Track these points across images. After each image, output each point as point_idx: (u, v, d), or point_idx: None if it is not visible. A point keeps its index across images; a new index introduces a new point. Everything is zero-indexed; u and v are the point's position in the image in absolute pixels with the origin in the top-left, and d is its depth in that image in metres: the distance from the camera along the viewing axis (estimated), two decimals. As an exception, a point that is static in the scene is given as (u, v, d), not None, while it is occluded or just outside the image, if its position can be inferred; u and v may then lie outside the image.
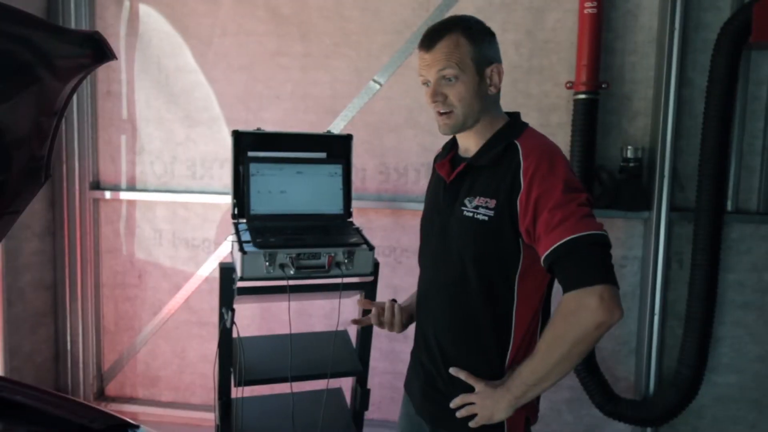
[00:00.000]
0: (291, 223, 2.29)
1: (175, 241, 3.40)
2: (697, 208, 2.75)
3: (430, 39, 1.39)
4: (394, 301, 1.68)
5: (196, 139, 3.33)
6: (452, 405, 1.39)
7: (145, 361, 3.48)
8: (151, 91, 3.35)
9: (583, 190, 1.31)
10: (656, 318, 2.91)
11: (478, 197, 1.37)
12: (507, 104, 3.10)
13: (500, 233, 1.33)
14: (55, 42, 1.12)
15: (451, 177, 1.46)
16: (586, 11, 2.77)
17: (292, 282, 2.09)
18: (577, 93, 2.86)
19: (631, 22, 2.93)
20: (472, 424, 1.36)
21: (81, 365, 3.44)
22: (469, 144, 1.46)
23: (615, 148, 2.97)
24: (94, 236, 3.43)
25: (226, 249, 3.30)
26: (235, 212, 2.37)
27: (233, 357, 2.24)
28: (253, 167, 2.37)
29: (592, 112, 2.82)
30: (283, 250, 2.07)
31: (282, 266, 2.09)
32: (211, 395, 3.42)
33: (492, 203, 1.34)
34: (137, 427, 1.54)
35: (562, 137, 3.00)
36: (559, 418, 3.15)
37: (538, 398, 1.46)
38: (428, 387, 1.51)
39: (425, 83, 1.42)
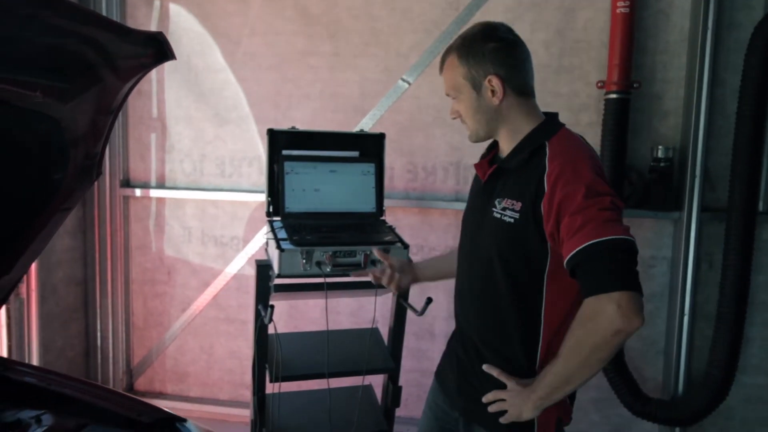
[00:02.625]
0: (325, 221, 2.31)
1: (203, 238, 3.44)
2: (729, 208, 2.74)
3: (440, 64, 1.51)
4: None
5: (225, 138, 3.36)
6: (484, 400, 1.42)
7: (173, 356, 3.52)
8: (180, 90, 3.38)
9: (609, 193, 1.28)
10: (686, 318, 2.90)
11: (506, 199, 1.39)
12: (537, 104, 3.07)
13: (526, 235, 1.34)
14: (120, 42, 1.15)
15: (485, 177, 1.50)
16: (618, 11, 2.77)
17: (328, 279, 2.11)
18: (608, 92, 2.85)
19: (663, 21, 2.91)
20: (502, 420, 1.39)
21: (111, 360, 3.48)
22: (504, 147, 1.49)
23: (645, 148, 2.96)
24: (124, 233, 3.48)
25: (254, 247, 3.33)
26: (270, 210, 2.40)
27: (269, 353, 2.26)
28: (288, 165, 2.40)
29: (623, 112, 2.81)
30: (320, 247, 2.09)
31: (318, 264, 2.11)
32: (238, 391, 3.47)
33: (518, 206, 1.36)
34: (184, 420, 1.57)
35: (591, 137, 2.98)
36: (585, 418, 3.15)
37: (572, 398, 1.48)
38: (463, 380, 1.55)
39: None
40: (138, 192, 3.44)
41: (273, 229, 2.25)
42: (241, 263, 3.36)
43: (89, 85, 1.19)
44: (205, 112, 3.37)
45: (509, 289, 1.39)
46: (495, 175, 1.47)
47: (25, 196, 1.40)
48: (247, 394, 3.41)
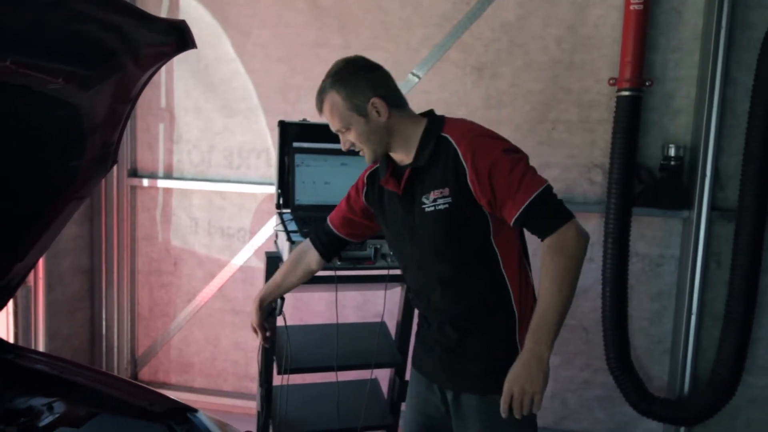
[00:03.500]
0: (335, 214, 2.30)
1: (210, 229, 3.43)
2: (739, 208, 2.73)
3: (316, 104, 1.61)
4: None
5: (233, 129, 3.35)
6: (504, 414, 1.39)
7: (178, 347, 3.52)
8: (189, 81, 3.37)
9: (519, 149, 1.47)
10: (693, 317, 2.90)
11: (432, 191, 1.49)
12: (547, 100, 3.09)
13: (463, 213, 1.47)
14: (143, 30, 1.14)
15: (402, 186, 1.57)
16: (632, 7, 2.75)
17: (338, 273, 2.11)
18: (620, 90, 2.84)
19: (676, 18, 2.90)
20: (535, 409, 1.38)
21: (116, 350, 3.49)
22: (402, 156, 1.58)
23: (655, 146, 2.95)
24: (130, 223, 3.47)
25: (261, 239, 3.33)
26: (280, 202, 2.40)
27: (276, 345, 2.26)
28: (298, 158, 2.39)
29: (635, 110, 2.80)
30: (330, 240, 2.07)
31: (329, 257, 2.10)
32: (243, 383, 3.47)
33: (446, 191, 1.47)
34: (195, 411, 1.57)
35: (601, 134, 2.99)
36: (590, 416, 3.15)
37: None
38: (444, 356, 1.61)
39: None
40: (145, 182, 3.44)
41: (283, 222, 2.25)
42: (247, 255, 3.36)
43: (110, 72, 1.19)
44: (213, 102, 3.36)
45: (467, 265, 1.52)
46: (409, 179, 1.55)
47: (41, 183, 1.40)
48: (252, 386, 3.42)
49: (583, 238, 1.40)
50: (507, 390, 1.37)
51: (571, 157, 3.04)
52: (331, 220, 1.86)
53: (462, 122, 1.57)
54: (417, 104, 3.22)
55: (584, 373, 3.13)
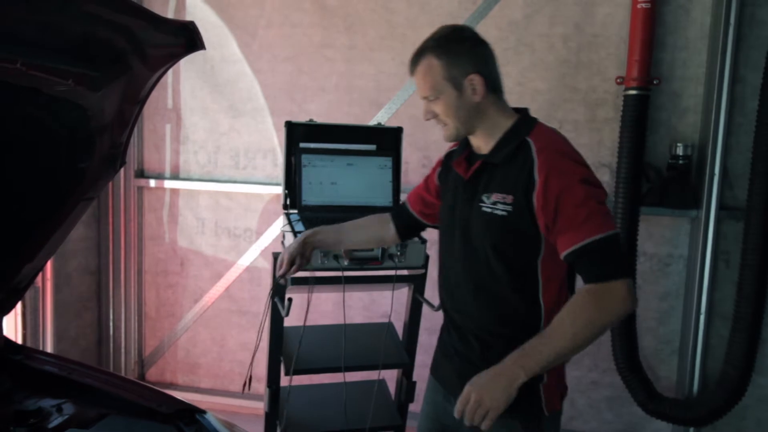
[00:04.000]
0: (342, 215, 2.28)
1: (217, 230, 3.44)
2: (748, 207, 2.71)
3: (410, 66, 1.50)
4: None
5: (240, 130, 3.35)
6: (457, 416, 1.31)
7: (185, 347, 3.53)
8: (196, 81, 3.37)
9: (600, 184, 1.38)
10: (702, 317, 2.88)
11: (495, 193, 1.42)
12: (554, 99, 3.08)
13: (519, 227, 1.39)
14: (152, 31, 1.14)
15: (469, 174, 1.50)
16: (639, 6, 2.74)
17: (345, 273, 2.10)
18: (627, 88, 2.83)
19: (683, 17, 2.88)
20: (483, 427, 1.28)
21: (123, 350, 3.50)
22: (480, 143, 1.51)
23: (662, 145, 2.93)
24: (137, 223, 3.48)
25: (267, 239, 3.33)
26: (287, 203, 2.40)
27: (283, 346, 2.26)
28: (305, 158, 2.39)
29: (642, 108, 2.79)
30: (338, 241, 2.07)
31: (336, 257, 2.10)
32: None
33: (509, 199, 1.39)
34: (204, 412, 1.57)
35: (608, 133, 2.98)
36: (598, 416, 3.14)
37: (563, 373, 1.54)
38: (465, 367, 1.51)
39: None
40: (152, 182, 3.44)
41: (290, 222, 2.25)
42: (254, 255, 3.36)
43: (119, 73, 1.19)
44: (220, 103, 3.36)
45: (507, 278, 1.43)
46: (479, 170, 1.48)
47: (50, 184, 1.40)
48: (259, 387, 3.40)
49: (629, 304, 1.29)
50: (466, 393, 1.30)
51: (578, 156, 3.03)
52: (408, 196, 1.85)
53: (551, 133, 1.47)
54: (421, 105, 3.22)
55: (592, 373, 3.12)
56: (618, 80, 2.88)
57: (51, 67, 1.02)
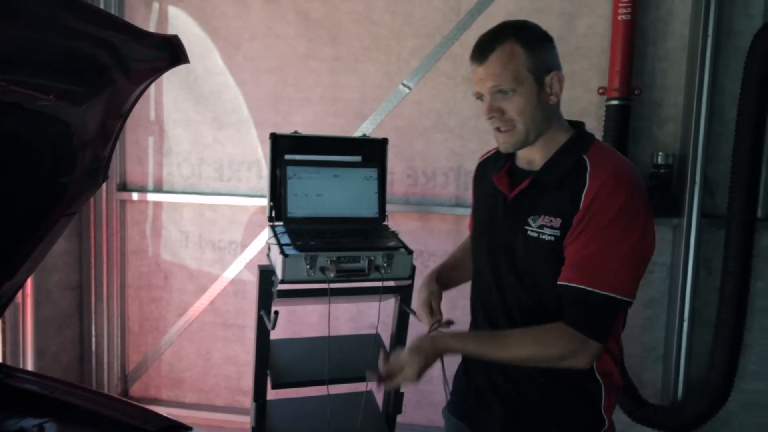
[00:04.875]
0: (328, 226, 2.29)
1: (201, 243, 3.41)
2: (728, 215, 2.75)
3: (482, 51, 1.31)
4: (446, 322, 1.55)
5: (224, 141, 3.33)
6: (372, 379, 1.35)
7: (169, 362, 3.48)
8: (179, 93, 3.36)
9: (639, 227, 1.22)
10: (685, 324, 2.91)
11: (542, 216, 1.29)
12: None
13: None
14: (135, 45, 1.13)
15: (513, 193, 1.36)
16: (620, 17, 2.78)
17: (332, 285, 2.09)
18: (609, 99, 2.86)
19: (662, 28, 2.93)
20: (386, 387, 1.37)
21: (106, 366, 3.44)
22: (534, 156, 1.36)
23: (645, 154, 2.97)
24: (120, 237, 3.44)
25: (252, 252, 3.31)
26: (272, 215, 2.38)
27: (270, 359, 2.24)
28: (291, 170, 2.38)
29: (624, 118, 2.82)
30: (324, 253, 2.07)
31: (323, 269, 2.09)
32: (235, 397, 3.44)
33: (557, 222, 1.26)
34: (189, 429, 1.54)
35: (591, 143, 3.01)
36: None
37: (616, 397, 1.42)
38: (511, 416, 1.40)
39: (479, 97, 1.33)
40: (135, 196, 3.41)
41: (276, 234, 2.23)
42: (239, 268, 3.33)
43: (101, 88, 1.17)
44: (204, 115, 3.34)
45: (557, 309, 1.28)
46: (526, 189, 1.33)
47: (31, 200, 1.38)
48: (244, 401, 3.38)
49: (583, 366, 1.23)
50: (396, 360, 1.31)
51: (561, 165, 3.05)
52: (469, 225, 1.66)
53: (612, 154, 1.32)
54: (408, 115, 3.23)
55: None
56: (600, 91, 2.92)
57: (33, 83, 1.01)
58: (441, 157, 3.16)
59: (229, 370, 3.42)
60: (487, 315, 1.46)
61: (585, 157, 1.28)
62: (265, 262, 2.32)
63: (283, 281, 2.06)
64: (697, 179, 2.83)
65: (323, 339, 2.43)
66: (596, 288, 1.21)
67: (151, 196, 3.40)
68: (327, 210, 2.37)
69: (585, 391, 1.34)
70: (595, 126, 2.97)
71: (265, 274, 2.17)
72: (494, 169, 1.46)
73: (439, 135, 3.15)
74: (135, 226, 3.47)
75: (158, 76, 1.30)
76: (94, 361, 3.44)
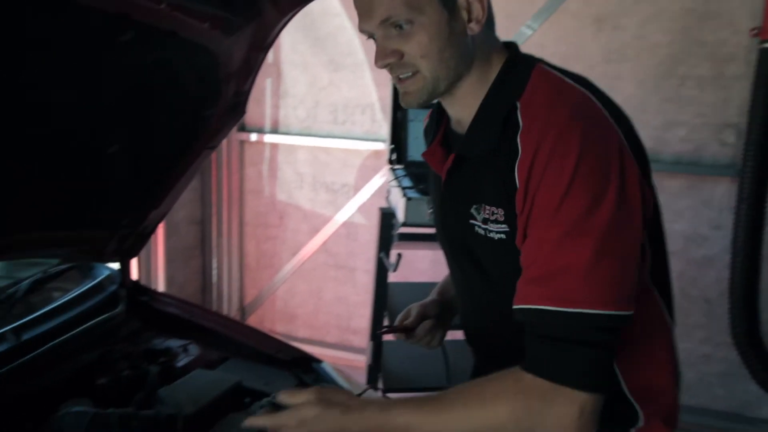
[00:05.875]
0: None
1: (315, 184, 3.47)
2: None
3: None
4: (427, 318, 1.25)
5: (339, 84, 3.33)
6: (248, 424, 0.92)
7: (283, 298, 3.63)
8: (296, 35, 3.37)
9: (613, 189, 0.81)
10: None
11: (483, 205, 0.93)
12: (676, 53, 2.79)
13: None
14: (288, -29, 1.12)
15: (444, 173, 1.00)
16: (784, -54, 2.45)
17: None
18: (763, 41, 2.56)
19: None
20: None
21: (225, 298, 3.64)
22: (460, 114, 0.98)
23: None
24: (239, 177, 3.57)
25: (365, 195, 3.33)
26: (393, 158, 2.36)
27: (387, 302, 2.26)
28: (412, 113, 2.34)
29: (781, 63, 2.52)
30: (447, 197, 2.03)
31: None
32: (345, 336, 3.54)
33: (500, 214, 0.90)
34: (320, 362, 1.59)
35: (737, 91, 2.73)
36: (708, 392, 2.97)
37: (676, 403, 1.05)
38: None
39: (370, 37, 0.96)
40: (253, 137, 3.51)
41: (396, 177, 2.22)
42: (351, 211, 3.37)
43: (251, 18, 1.17)
44: (320, 57, 3.34)
45: None
46: (456, 167, 0.97)
47: (177, 132, 1.43)
48: (354, 339, 3.48)
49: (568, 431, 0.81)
50: (298, 400, 0.89)
51: (700, 116, 2.81)
52: None
53: (552, 89, 0.90)
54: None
55: (704, 347, 2.95)
56: (752, 32, 2.62)
57: (192, 9, 1.01)
58: (565, 103, 2.98)
59: (339, 309, 3.52)
60: (474, 328, 1.16)
61: (518, 104, 0.89)
62: (379, 205, 2.32)
63: (404, 224, 2.05)
64: None
65: (434, 285, 2.42)
66: (562, 305, 0.81)
67: (268, 138, 3.48)
68: (448, 154, 2.32)
69: (610, 415, 0.87)
70: (743, 72, 2.69)
71: (386, 216, 2.17)
72: (426, 141, 1.12)
73: (564, 80, 2.97)
74: (252, 167, 3.58)
75: (303, 6, 1.28)
76: (214, 293, 3.64)
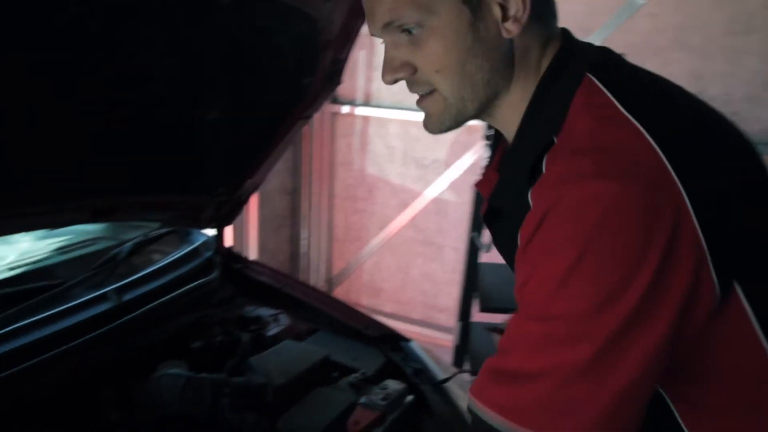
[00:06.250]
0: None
1: (405, 159, 3.42)
2: None
3: None
4: None
5: (434, 56, 3.24)
6: None
7: (370, 271, 3.64)
8: (393, 5, 3.30)
9: (633, 313, 0.58)
10: None
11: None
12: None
13: None
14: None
15: (483, 212, 0.87)
16: None
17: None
18: None
19: None
20: None
21: (313, 268, 3.70)
22: (510, 135, 0.78)
23: None
24: (330, 148, 3.58)
25: (456, 171, 3.25)
26: (489, 134, 2.27)
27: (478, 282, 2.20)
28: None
29: None
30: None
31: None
32: (430, 313, 3.51)
33: None
34: (408, 340, 1.56)
35: None
36: None
37: None
38: None
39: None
40: (345, 109, 3.49)
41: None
42: (441, 187, 3.30)
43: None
44: (416, 28, 3.26)
45: None
46: (491, 215, 0.83)
47: (274, 100, 1.41)
48: (440, 317, 3.45)
49: None
50: None
51: (838, 93, 2.51)
52: None
53: (593, 119, 0.67)
54: (641, 30, 2.85)
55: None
56: None
57: (294, -29, 0.98)
58: (679, 80, 2.70)
59: (426, 286, 3.48)
60: None
61: (555, 139, 0.68)
62: (467, 183, 2.24)
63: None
64: None
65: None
66: (516, 422, 0.62)
67: (360, 110, 3.46)
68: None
69: None
70: None
71: (480, 194, 2.09)
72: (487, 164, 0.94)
73: (677, 54, 2.74)
74: (343, 139, 3.58)
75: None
76: (303, 262, 3.71)
